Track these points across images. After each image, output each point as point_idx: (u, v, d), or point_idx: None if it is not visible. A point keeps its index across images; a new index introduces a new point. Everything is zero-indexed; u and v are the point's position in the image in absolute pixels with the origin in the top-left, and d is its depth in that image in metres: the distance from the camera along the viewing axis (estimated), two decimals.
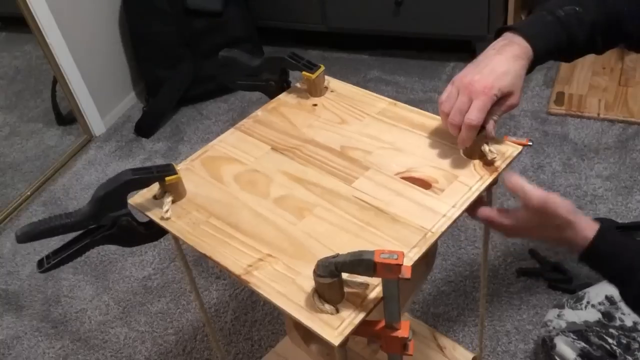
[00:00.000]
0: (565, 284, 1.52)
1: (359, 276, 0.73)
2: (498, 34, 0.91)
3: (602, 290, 1.01)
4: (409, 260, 0.76)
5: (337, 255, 0.70)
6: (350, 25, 2.45)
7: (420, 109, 1.02)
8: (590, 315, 1.07)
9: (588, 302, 1.09)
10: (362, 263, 0.68)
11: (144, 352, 1.58)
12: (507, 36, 0.89)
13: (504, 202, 1.74)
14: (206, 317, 1.20)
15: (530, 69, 0.89)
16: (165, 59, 2.38)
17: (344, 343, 0.70)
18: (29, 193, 2.15)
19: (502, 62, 0.85)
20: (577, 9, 0.89)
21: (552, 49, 0.89)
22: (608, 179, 1.79)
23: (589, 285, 1.49)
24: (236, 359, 1.52)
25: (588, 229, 0.80)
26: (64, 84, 2.25)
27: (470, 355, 1.27)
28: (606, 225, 0.81)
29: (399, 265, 0.66)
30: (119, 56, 2.48)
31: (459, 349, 1.32)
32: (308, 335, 0.97)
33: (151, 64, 2.41)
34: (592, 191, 1.76)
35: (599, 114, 2.01)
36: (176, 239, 0.91)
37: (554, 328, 1.10)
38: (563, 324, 1.08)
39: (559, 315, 1.12)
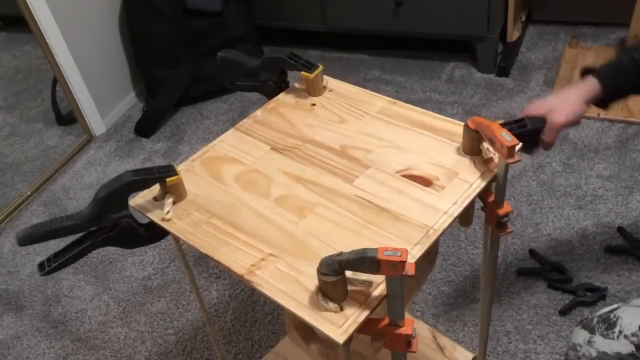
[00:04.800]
0: (565, 284, 1.52)
1: (362, 274, 0.72)
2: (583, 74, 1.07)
3: (636, 319, 0.99)
4: (412, 258, 0.76)
5: (341, 253, 0.70)
6: (350, 25, 2.45)
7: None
8: (623, 347, 1.05)
9: (621, 332, 1.07)
10: (366, 261, 0.68)
11: (144, 352, 1.58)
12: (586, 78, 1.06)
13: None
14: (206, 317, 1.20)
15: (605, 104, 1.06)
16: (165, 59, 2.38)
17: (348, 341, 0.70)
18: (29, 193, 2.15)
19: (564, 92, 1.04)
20: None
21: (624, 87, 1.05)
22: (608, 179, 1.79)
23: (589, 286, 1.50)
24: (236, 359, 1.52)
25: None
26: (64, 84, 2.26)
27: (470, 355, 1.27)
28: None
29: (403, 263, 0.66)
30: (119, 56, 2.48)
31: (459, 349, 1.32)
32: (308, 335, 0.97)
33: (151, 64, 2.41)
34: (592, 191, 1.76)
35: (599, 114, 2.01)
36: (177, 239, 0.91)
37: (583, 355, 1.09)
38: (594, 353, 1.06)
39: (589, 342, 1.10)
